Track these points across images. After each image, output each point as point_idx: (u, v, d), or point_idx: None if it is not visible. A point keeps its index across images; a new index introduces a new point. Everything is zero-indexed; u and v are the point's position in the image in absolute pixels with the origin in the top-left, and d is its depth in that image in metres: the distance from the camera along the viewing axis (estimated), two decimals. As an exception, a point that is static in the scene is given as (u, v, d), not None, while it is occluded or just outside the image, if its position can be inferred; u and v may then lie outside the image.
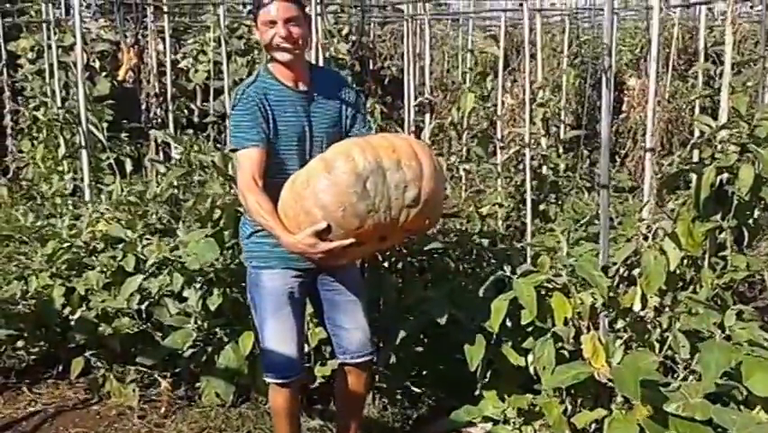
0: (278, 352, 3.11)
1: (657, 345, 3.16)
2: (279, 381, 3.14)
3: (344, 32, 8.48)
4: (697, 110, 5.45)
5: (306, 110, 3.08)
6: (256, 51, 8.75)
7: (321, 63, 5.58)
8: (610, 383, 2.97)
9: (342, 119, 3.19)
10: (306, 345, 3.62)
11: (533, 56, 5.63)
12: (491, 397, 3.55)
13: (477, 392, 3.58)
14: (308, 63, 3.25)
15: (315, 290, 3.25)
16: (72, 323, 4.28)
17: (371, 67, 9.59)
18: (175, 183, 4.78)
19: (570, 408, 3.28)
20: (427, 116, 5.74)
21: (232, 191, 4.03)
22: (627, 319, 3.24)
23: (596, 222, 5.08)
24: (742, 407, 2.94)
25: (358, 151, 2.71)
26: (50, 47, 7.50)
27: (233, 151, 3.03)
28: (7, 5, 9.06)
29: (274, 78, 3.07)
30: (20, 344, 4.52)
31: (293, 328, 3.12)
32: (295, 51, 3.01)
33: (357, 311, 3.23)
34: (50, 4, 7.64)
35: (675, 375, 3.09)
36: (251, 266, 3.18)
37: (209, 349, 3.96)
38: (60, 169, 6.73)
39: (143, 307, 4.12)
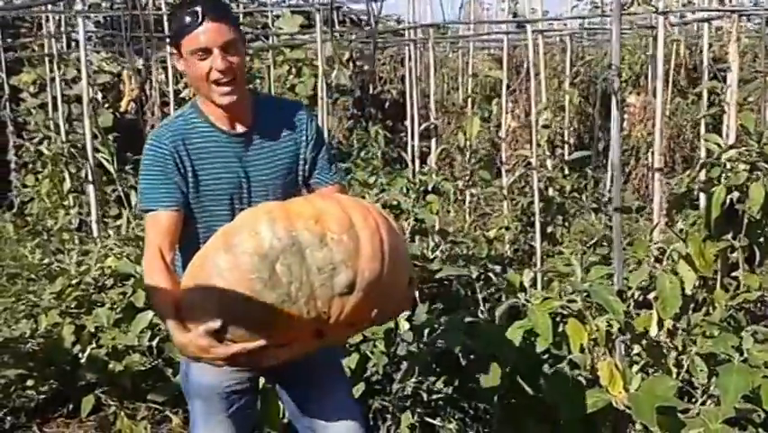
0: None
1: (674, 370, 3.14)
2: None
3: (345, 58, 8.52)
4: (702, 128, 5.45)
5: (241, 158, 2.37)
6: (258, 81, 8.80)
7: (324, 91, 5.57)
8: (628, 410, 2.94)
9: (299, 165, 2.46)
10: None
11: (535, 75, 5.62)
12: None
13: (494, 424, 3.55)
14: (254, 93, 2.54)
15: (283, 386, 2.59)
16: (82, 361, 4.24)
17: (371, 91, 9.65)
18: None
19: (589, 436, 3.25)
20: (433, 141, 5.73)
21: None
22: (643, 344, 3.22)
23: (603, 243, 5.09)
24: (761, 430, 2.92)
25: (266, 222, 1.96)
26: (53, 80, 7.53)
27: (143, 211, 2.39)
28: (9, 40, 9.12)
29: (203, 117, 2.37)
30: (30, 383, 4.48)
31: None
32: (237, 89, 2.30)
33: (336, 403, 2.52)
34: (53, 39, 7.68)
35: (694, 400, 3.06)
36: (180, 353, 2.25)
37: (221, 384, 3.92)
38: (66, 203, 6.73)
39: (154, 343, 4.09)
